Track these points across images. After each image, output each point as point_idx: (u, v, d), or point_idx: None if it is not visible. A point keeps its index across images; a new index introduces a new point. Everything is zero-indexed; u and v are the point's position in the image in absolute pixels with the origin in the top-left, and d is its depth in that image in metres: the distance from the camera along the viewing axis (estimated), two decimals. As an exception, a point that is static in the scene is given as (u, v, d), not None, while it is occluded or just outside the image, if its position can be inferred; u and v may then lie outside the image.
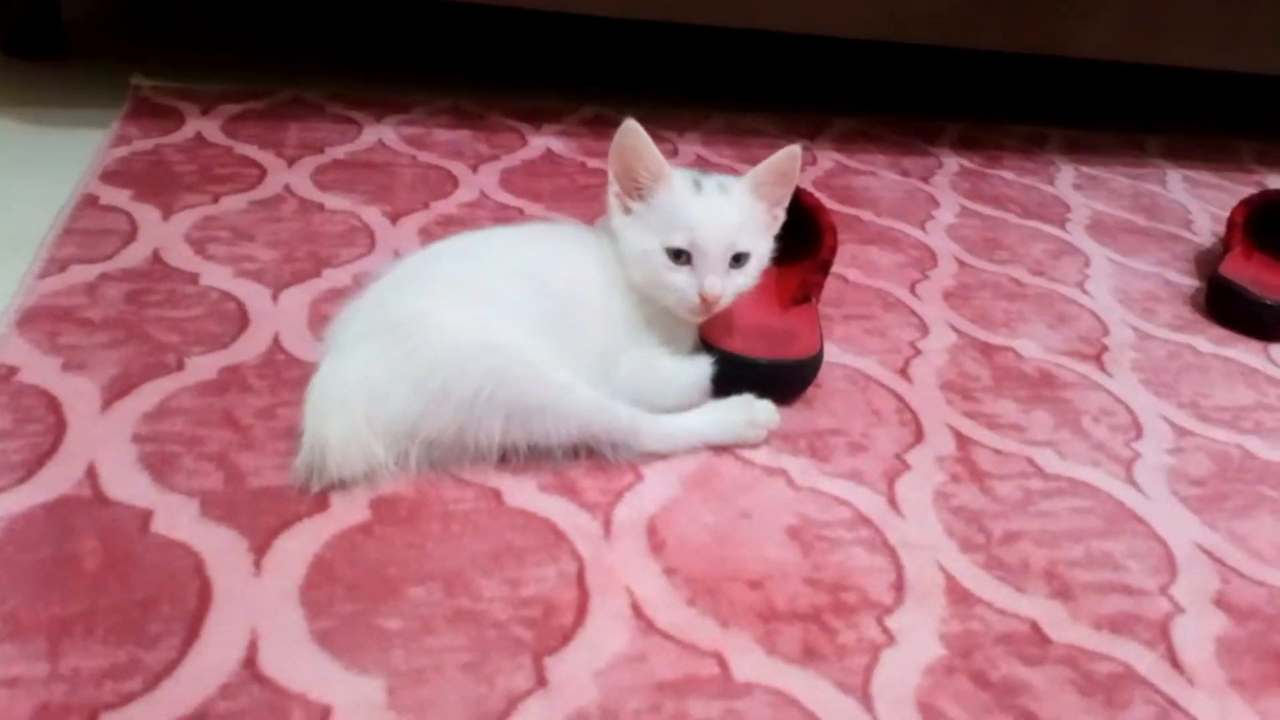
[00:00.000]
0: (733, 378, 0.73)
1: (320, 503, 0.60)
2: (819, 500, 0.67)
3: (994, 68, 1.85)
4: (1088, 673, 0.57)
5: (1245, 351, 0.98)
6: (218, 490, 0.60)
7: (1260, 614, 0.64)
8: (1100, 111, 1.77)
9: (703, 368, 0.72)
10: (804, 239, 0.89)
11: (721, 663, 0.54)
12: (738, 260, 0.71)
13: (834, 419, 0.77)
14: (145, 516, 0.57)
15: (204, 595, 0.53)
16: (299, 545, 0.57)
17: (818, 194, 1.06)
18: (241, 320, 0.77)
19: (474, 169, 1.11)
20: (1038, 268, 1.11)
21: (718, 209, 0.70)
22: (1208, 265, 1.16)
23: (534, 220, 0.83)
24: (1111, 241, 1.22)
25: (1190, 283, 1.13)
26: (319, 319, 0.77)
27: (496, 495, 0.63)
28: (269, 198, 0.97)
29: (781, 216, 0.75)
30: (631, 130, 0.69)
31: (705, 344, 0.76)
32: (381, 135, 1.15)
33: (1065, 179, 1.42)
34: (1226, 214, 1.19)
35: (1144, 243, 1.23)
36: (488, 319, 0.64)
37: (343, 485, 0.61)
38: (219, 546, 0.56)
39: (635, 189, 0.71)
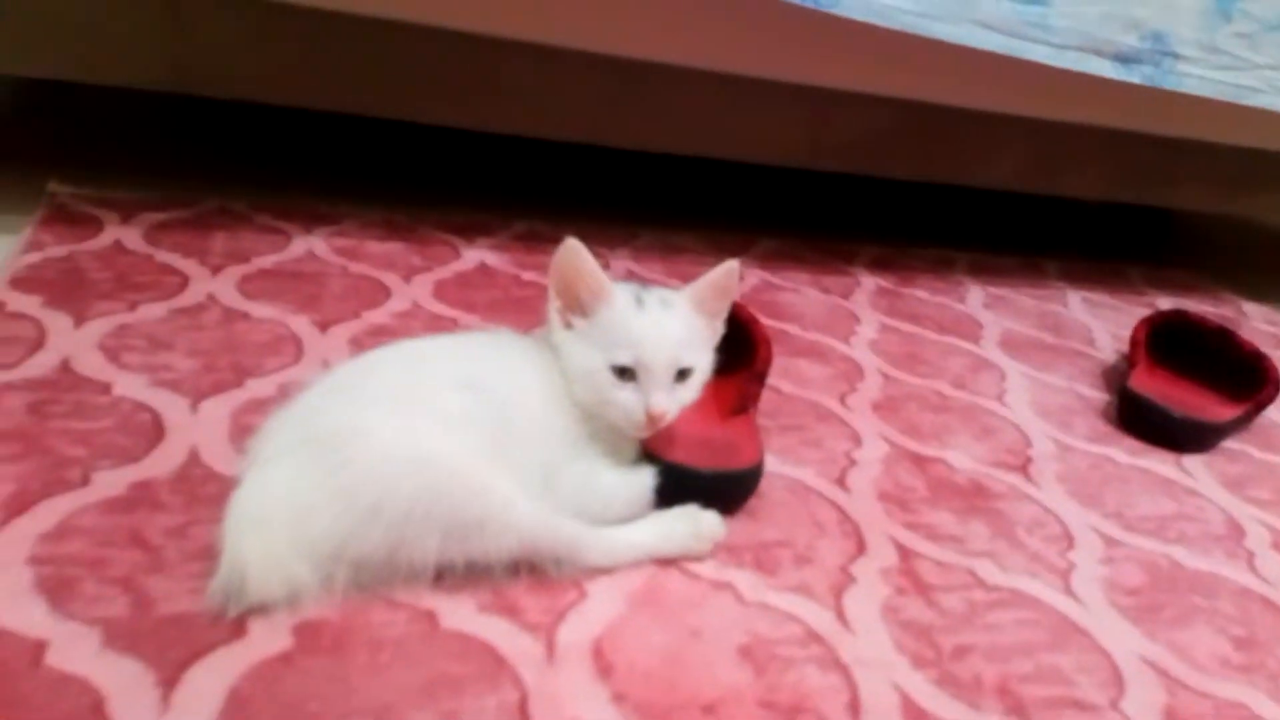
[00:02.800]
0: (676, 489, 0.71)
1: (237, 630, 0.56)
2: (769, 616, 0.65)
3: (904, 195, 1.95)
4: (1049, 794, 0.55)
5: (1159, 462, 1.02)
6: (122, 618, 0.55)
7: (1207, 726, 0.64)
8: (1002, 237, 1.88)
9: (646, 479, 0.70)
10: (740, 351, 0.89)
11: (677, 796, 0.50)
12: (682, 375, 0.70)
13: (778, 530, 0.76)
14: (39, 648, 0.52)
15: (103, 738, 0.47)
16: (212, 678, 0.52)
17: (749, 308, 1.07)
18: (156, 432, 0.72)
19: (406, 279, 1.09)
20: (958, 381, 1.14)
21: (661, 326, 0.70)
22: (1114, 379, 1.22)
23: (472, 329, 0.81)
24: (1024, 357, 1.27)
25: (1100, 396, 1.18)
26: (241, 431, 0.73)
27: (431, 618, 0.60)
28: (190, 306, 0.93)
29: (721, 329, 0.76)
30: (573, 249, 0.69)
31: (648, 455, 0.74)
32: (311, 246, 1.13)
33: (975, 298, 1.48)
34: (1125, 332, 1.25)
35: (1053, 359, 1.29)
36: (423, 430, 0.62)
37: (263, 610, 0.57)
38: (122, 681, 0.51)
39: (576, 305, 0.71)
